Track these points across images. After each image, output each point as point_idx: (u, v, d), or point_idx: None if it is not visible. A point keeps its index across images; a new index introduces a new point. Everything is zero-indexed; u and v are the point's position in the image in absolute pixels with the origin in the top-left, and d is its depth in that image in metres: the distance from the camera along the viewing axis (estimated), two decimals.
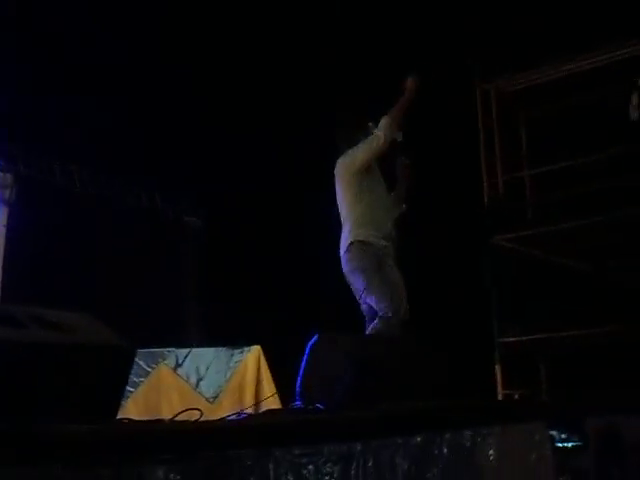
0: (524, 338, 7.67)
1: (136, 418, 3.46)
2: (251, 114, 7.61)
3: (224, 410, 5.96)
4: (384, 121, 5.10)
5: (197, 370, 6.52)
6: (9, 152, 7.84)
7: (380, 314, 4.82)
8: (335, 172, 5.18)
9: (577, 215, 7.30)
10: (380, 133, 5.05)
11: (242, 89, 7.58)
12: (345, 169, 5.13)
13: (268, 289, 7.64)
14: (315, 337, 3.44)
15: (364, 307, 4.99)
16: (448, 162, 7.58)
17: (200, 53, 7.42)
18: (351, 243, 5.00)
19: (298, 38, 7.33)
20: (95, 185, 8.40)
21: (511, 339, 7.72)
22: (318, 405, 3.10)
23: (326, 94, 7.23)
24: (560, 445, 4.32)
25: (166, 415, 6.06)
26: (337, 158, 5.19)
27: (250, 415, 3.05)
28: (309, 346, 3.42)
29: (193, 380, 6.50)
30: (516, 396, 7.62)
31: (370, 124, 5.20)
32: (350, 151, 5.11)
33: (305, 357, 3.41)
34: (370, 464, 2.82)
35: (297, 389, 3.41)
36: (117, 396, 2.36)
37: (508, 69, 7.79)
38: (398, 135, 5.16)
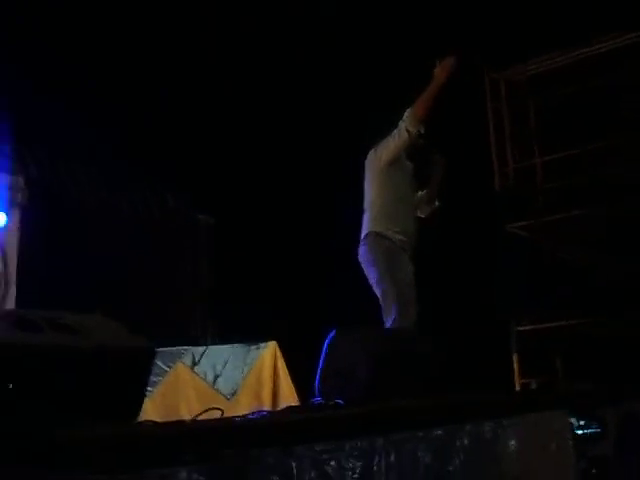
0: (540, 326, 7.65)
1: (155, 418, 3.46)
2: (262, 112, 7.59)
3: (242, 407, 5.97)
4: (407, 113, 5.08)
5: (214, 368, 6.52)
6: (20, 155, 7.86)
7: (387, 315, 4.84)
8: (365, 163, 5.20)
9: (589, 202, 7.28)
10: (403, 126, 5.03)
11: (252, 86, 7.55)
12: (374, 161, 5.14)
13: (283, 285, 7.63)
14: (333, 332, 3.43)
15: (379, 298, 5.00)
16: (459, 152, 7.54)
17: (213, 51, 7.40)
18: (368, 234, 5.02)
19: (304, 38, 7.31)
20: (106, 185, 8.41)
21: (527, 328, 7.70)
22: (338, 400, 3.09)
23: (335, 92, 7.22)
24: (579, 432, 4.30)
25: (184, 414, 6.09)
26: (369, 149, 5.21)
27: (271, 413, 3.04)
28: (327, 341, 3.42)
29: (210, 378, 6.50)
30: (533, 385, 7.60)
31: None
32: (381, 143, 5.12)
33: (323, 353, 3.41)
34: (392, 458, 2.81)
35: (316, 385, 3.40)
36: (138, 397, 2.36)
37: (516, 57, 7.75)
38: (420, 127, 5.12)
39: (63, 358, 2.14)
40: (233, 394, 6.42)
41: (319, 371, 3.41)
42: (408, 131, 5.01)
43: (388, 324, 4.83)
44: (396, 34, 7.30)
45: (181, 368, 6.55)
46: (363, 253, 5.06)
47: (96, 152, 7.77)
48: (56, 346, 2.14)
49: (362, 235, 5.10)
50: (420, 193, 5.35)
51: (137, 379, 2.35)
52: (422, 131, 5.11)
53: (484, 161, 7.88)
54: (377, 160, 5.12)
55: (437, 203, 5.39)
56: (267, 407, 6.12)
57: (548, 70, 7.81)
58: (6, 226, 7.89)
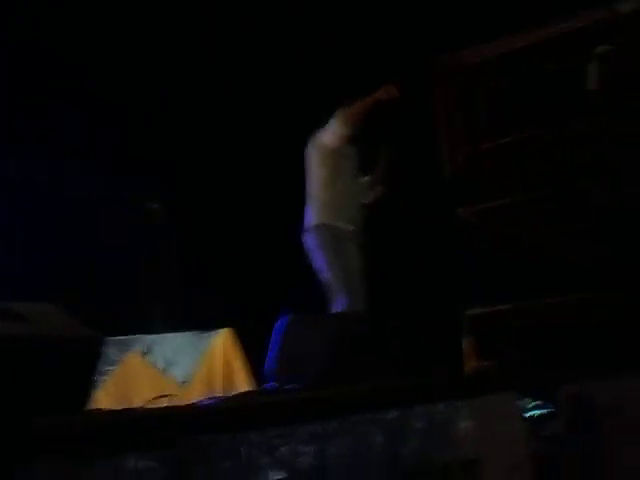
0: (490, 310, 7.71)
1: (108, 407, 3.43)
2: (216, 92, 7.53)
3: (196, 394, 5.94)
4: (338, 114, 5.07)
5: (166, 355, 6.47)
6: None
7: (335, 300, 4.84)
8: (308, 150, 5.17)
9: (537, 186, 7.35)
10: (332, 125, 5.03)
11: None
12: (314, 152, 5.11)
13: (236, 272, 7.60)
14: (286, 317, 3.42)
15: (325, 286, 5.00)
16: (408, 138, 7.57)
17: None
18: (316, 225, 5.00)
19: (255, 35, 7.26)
20: (58, 173, 8.28)
21: (477, 311, 7.76)
22: (291, 385, 3.08)
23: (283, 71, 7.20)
24: (530, 414, 4.36)
25: (138, 402, 6.03)
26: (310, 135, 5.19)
27: (223, 398, 3.03)
28: (279, 326, 3.41)
29: (162, 365, 6.44)
30: (483, 368, 7.67)
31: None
32: (319, 134, 5.10)
33: (276, 337, 3.40)
34: (346, 442, 2.82)
35: (268, 370, 3.39)
36: (86, 387, 2.33)
37: (464, 42, 7.77)
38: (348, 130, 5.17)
39: (9, 346, 2.09)
40: (186, 381, 6.38)
41: (271, 356, 3.40)
42: (334, 134, 5.03)
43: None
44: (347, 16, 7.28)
45: (132, 357, 6.48)
46: (310, 242, 5.05)
47: (45, 141, 7.65)
48: (2, 335, 2.10)
49: (308, 224, 5.07)
50: (364, 179, 5.35)
51: (86, 368, 2.31)
52: (349, 133, 5.12)
53: (433, 147, 7.91)
54: (316, 151, 5.10)
55: (380, 190, 5.39)
56: (220, 394, 6.10)
57: (497, 54, 7.83)
58: None
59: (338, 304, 4.84)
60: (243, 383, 6.21)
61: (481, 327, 7.66)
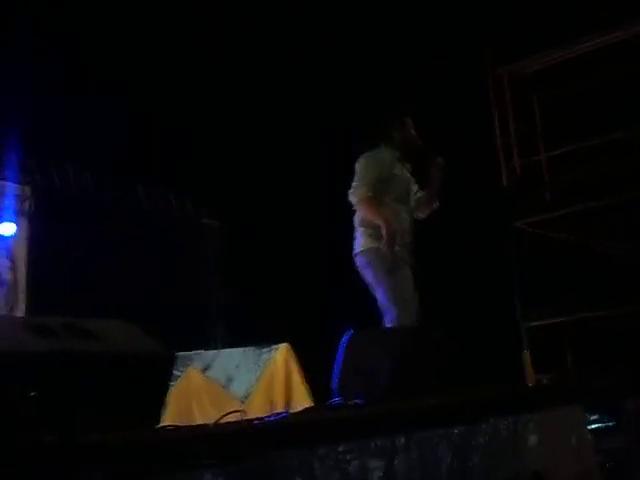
0: (550, 322, 7.62)
1: (170, 423, 3.44)
2: (269, 114, 7.56)
3: (256, 409, 5.96)
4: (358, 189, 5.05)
5: (226, 371, 6.52)
6: (26, 165, 7.86)
7: (385, 317, 4.82)
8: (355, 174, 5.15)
9: (596, 196, 7.25)
10: (355, 194, 5.02)
11: (259, 88, 7.53)
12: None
13: (293, 287, 7.62)
14: (350, 332, 3.41)
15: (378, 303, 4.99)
16: (465, 149, 7.52)
17: (219, 54, 7.38)
18: (362, 251, 5.01)
19: (310, 39, 7.28)
20: (113, 190, 8.42)
21: (537, 323, 7.67)
22: (357, 400, 3.07)
23: (344, 94, 7.20)
24: (592, 426, 4.29)
25: (198, 418, 6.09)
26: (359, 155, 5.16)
27: (291, 414, 3.03)
28: (344, 341, 3.40)
29: (223, 381, 6.49)
30: (545, 380, 7.57)
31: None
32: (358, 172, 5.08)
33: (340, 352, 3.39)
34: (414, 456, 2.80)
35: (334, 385, 3.39)
36: (159, 403, 2.35)
37: (521, 52, 7.73)
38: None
39: (82, 364, 2.12)
40: (246, 397, 6.41)
41: (337, 371, 3.39)
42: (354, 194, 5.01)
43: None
44: (397, 30, 7.27)
45: (193, 372, 6.54)
46: (360, 263, 5.05)
47: (100, 157, 7.76)
48: (75, 352, 2.13)
49: (357, 249, 5.07)
50: (418, 194, 5.30)
51: (157, 384, 2.33)
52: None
53: (490, 158, 7.85)
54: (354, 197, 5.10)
55: (436, 204, 5.34)
56: (280, 409, 6.11)
57: (552, 64, 7.78)
58: (15, 235, 7.90)
59: (388, 320, 4.83)
60: (302, 398, 6.22)
61: (542, 339, 7.57)
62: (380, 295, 4.89)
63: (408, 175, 5.25)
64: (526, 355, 7.67)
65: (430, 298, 6.89)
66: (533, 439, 3.43)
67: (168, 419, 5.65)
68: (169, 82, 7.40)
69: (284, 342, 6.55)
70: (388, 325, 4.75)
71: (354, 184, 5.00)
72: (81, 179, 8.25)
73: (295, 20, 7.27)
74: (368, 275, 4.97)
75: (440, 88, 7.14)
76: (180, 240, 8.63)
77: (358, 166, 5.07)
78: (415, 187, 5.30)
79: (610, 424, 4.63)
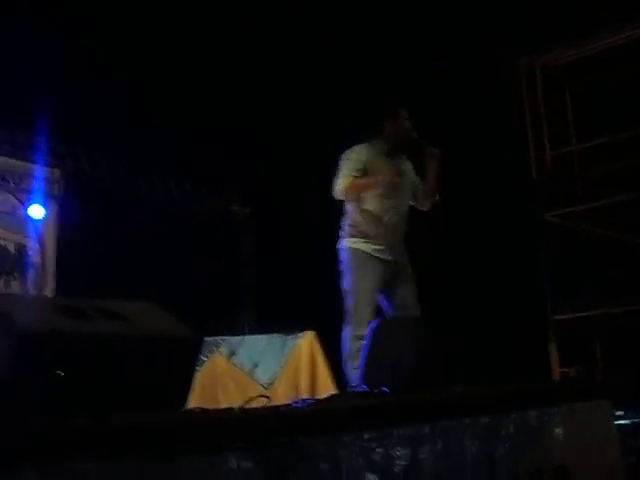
0: (578, 315, 7.58)
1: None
2: (294, 105, 7.55)
3: (280, 396, 5.97)
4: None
5: (251, 357, 6.53)
6: (55, 149, 7.92)
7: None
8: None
9: (626, 188, 7.18)
10: (335, 184, 5.03)
11: (284, 81, 7.52)
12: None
13: (321, 275, 7.61)
14: (377, 321, 3.41)
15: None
16: (495, 140, 7.48)
17: (249, 51, 7.38)
18: (343, 248, 5.05)
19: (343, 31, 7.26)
20: (142, 176, 8.47)
21: (565, 316, 7.63)
22: (383, 388, 3.07)
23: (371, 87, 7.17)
24: (619, 422, 4.27)
25: (223, 403, 6.10)
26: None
27: (317, 401, 3.03)
28: (371, 330, 3.39)
29: (248, 367, 6.51)
30: (572, 374, 7.53)
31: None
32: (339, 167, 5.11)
33: (367, 341, 3.39)
34: (439, 446, 2.79)
35: (360, 373, 3.39)
36: (186, 386, 2.36)
37: (552, 44, 7.66)
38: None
39: (112, 346, 2.13)
40: (271, 384, 6.42)
41: (363, 359, 3.39)
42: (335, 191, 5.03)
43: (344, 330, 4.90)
44: (424, 18, 7.23)
45: (218, 358, 6.57)
46: (340, 260, 5.12)
47: (131, 143, 7.80)
48: (105, 334, 2.14)
49: (339, 242, 5.14)
50: (420, 186, 5.29)
51: (185, 367, 2.34)
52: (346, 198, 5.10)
53: (521, 149, 7.80)
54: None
55: (437, 197, 5.31)
56: (305, 396, 6.11)
57: (585, 56, 7.71)
58: (44, 219, 7.97)
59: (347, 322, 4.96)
60: (327, 385, 6.22)
61: (569, 332, 7.53)
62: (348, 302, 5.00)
63: (402, 168, 5.23)
64: (553, 348, 7.63)
65: (459, 290, 6.89)
66: (559, 432, 3.41)
67: (193, 403, 5.68)
68: (197, 73, 7.42)
69: (310, 329, 6.55)
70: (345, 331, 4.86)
71: (335, 180, 5.05)
72: (110, 163, 8.30)
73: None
74: (344, 280, 5.06)
75: (472, 80, 7.10)
76: (209, 226, 8.66)
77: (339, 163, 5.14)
78: (417, 179, 5.29)
79: (636, 420, 4.61)
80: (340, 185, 4.94)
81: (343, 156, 5.12)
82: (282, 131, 7.73)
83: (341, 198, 5.03)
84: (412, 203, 5.27)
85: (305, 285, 7.77)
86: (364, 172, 5.00)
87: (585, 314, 7.50)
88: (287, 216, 8.02)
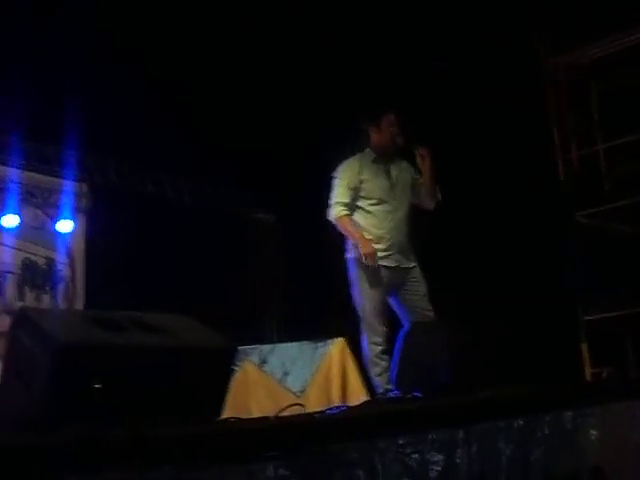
0: (609, 315, 7.51)
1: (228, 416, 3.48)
2: (320, 112, 7.55)
3: (312, 403, 5.97)
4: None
5: (282, 365, 6.55)
6: (83, 163, 7.99)
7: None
8: None
9: None
10: (331, 206, 5.15)
11: (310, 87, 7.52)
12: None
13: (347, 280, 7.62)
14: (408, 326, 3.42)
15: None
16: (520, 141, 7.45)
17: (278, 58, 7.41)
18: (349, 258, 5.14)
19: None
20: (170, 187, 8.52)
21: (596, 317, 7.57)
22: (416, 393, 3.07)
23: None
24: None
25: (255, 411, 6.12)
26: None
27: (351, 407, 3.04)
28: (402, 335, 3.40)
29: (279, 375, 6.52)
30: (604, 374, 7.47)
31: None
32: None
33: (399, 346, 3.39)
34: (474, 450, 2.79)
35: (393, 378, 3.39)
36: (222, 395, 2.38)
37: (576, 41, 7.61)
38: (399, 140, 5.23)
39: (149, 358, 2.15)
40: (302, 391, 6.43)
41: (395, 364, 3.39)
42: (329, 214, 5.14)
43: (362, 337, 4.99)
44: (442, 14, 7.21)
45: (249, 366, 6.58)
46: (347, 269, 5.22)
47: (158, 155, 7.85)
48: (141, 346, 2.16)
49: (345, 252, 5.25)
50: (421, 185, 5.35)
51: (220, 377, 2.36)
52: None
53: (547, 149, 7.75)
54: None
55: (439, 195, 5.34)
56: (337, 403, 6.12)
57: (610, 53, 7.64)
58: (72, 232, 8.04)
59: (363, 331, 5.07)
60: (358, 392, 6.22)
61: (601, 332, 7.47)
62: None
63: (394, 173, 5.29)
64: (584, 348, 7.57)
65: (490, 293, 6.86)
66: (594, 434, 3.39)
67: (225, 412, 5.71)
68: (222, 82, 7.44)
69: (340, 336, 6.55)
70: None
71: (329, 202, 5.13)
72: (138, 175, 8.36)
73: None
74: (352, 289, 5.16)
75: (494, 80, 7.07)
76: (236, 235, 8.69)
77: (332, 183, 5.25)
78: (417, 177, 5.34)
79: None
80: (333, 212, 5.16)
81: (335, 174, 5.26)
82: (306, 138, 7.74)
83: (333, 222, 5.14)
84: (415, 202, 5.33)
85: (333, 291, 7.77)
86: (359, 185, 5.18)
87: (615, 314, 7.43)
88: (312, 222, 8.02)
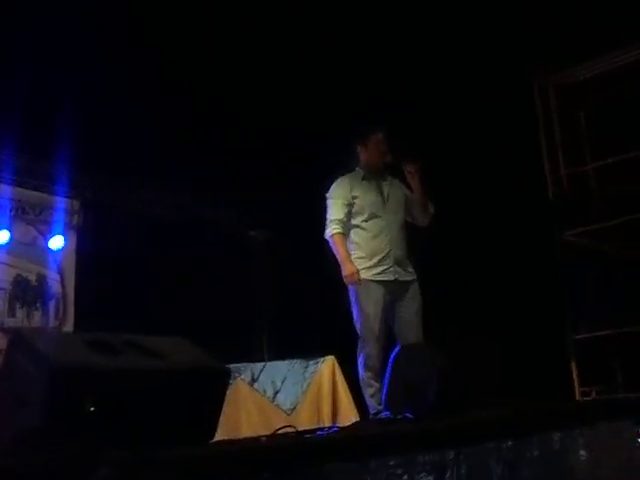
0: (597, 334, 7.55)
1: (218, 434, 3.49)
2: (314, 125, 7.58)
3: (303, 422, 6.00)
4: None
5: (273, 383, 6.57)
6: (75, 179, 7.99)
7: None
8: None
9: None
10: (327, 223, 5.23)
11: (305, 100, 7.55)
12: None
13: (339, 300, 7.63)
14: (398, 347, 3.44)
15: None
16: (509, 160, 7.50)
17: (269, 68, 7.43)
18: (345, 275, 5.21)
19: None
20: (160, 203, 8.53)
21: (585, 336, 7.60)
22: (406, 414, 3.09)
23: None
24: None
25: (246, 429, 6.13)
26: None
27: (342, 428, 3.05)
28: (392, 357, 3.42)
29: (270, 393, 6.54)
30: (594, 394, 7.50)
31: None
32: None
33: (389, 368, 3.41)
34: (463, 471, 2.80)
35: (383, 399, 3.41)
36: (215, 417, 2.39)
37: (565, 61, 7.68)
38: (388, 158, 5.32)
39: (144, 381, 2.17)
40: (293, 409, 6.45)
41: (385, 385, 3.41)
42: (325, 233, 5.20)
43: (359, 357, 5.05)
44: (434, 34, 7.26)
45: (240, 384, 6.60)
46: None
47: (149, 172, 7.86)
48: (136, 369, 2.18)
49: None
50: (413, 205, 5.42)
51: (214, 399, 2.38)
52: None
53: (536, 168, 7.81)
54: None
55: (431, 209, 5.41)
56: (327, 422, 6.14)
57: (598, 73, 7.71)
58: (63, 249, 8.04)
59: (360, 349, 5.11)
60: (348, 411, 6.24)
61: (590, 352, 7.50)
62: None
63: (386, 189, 5.35)
64: (573, 367, 7.60)
65: (478, 311, 6.89)
66: (583, 454, 3.41)
67: (217, 431, 5.71)
68: (214, 97, 7.47)
69: (330, 355, 6.58)
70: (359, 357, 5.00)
71: (325, 222, 5.30)
72: (129, 192, 8.36)
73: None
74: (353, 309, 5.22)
75: (485, 100, 7.12)
76: (227, 252, 8.70)
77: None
78: (409, 194, 5.40)
79: None
80: (328, 231, 5.25)
81: (328, 194, 5.35)
82: (301, 156, 7.76)
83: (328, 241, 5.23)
84: (409, 219, 5.39)
85: (325, 309, 7.79)
86: (352, 201, 5.28)
87: (604, 333, 7.47)
88: (305, 240, 8.05)
